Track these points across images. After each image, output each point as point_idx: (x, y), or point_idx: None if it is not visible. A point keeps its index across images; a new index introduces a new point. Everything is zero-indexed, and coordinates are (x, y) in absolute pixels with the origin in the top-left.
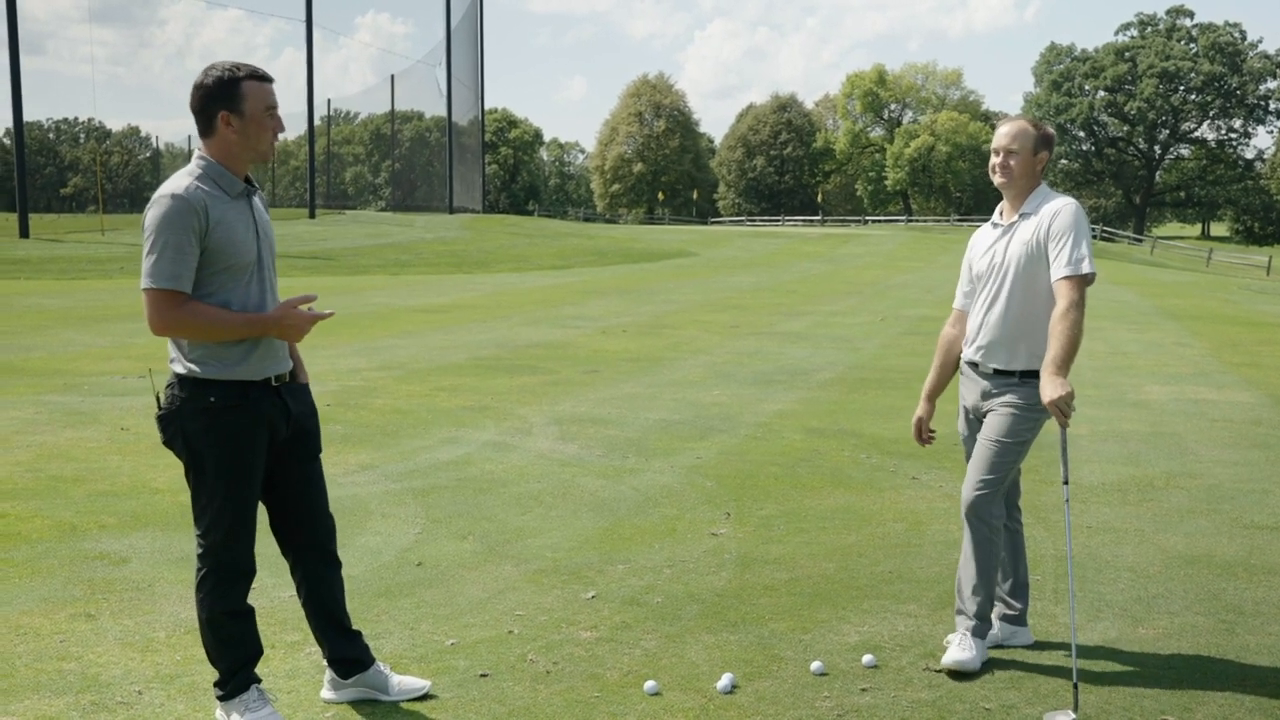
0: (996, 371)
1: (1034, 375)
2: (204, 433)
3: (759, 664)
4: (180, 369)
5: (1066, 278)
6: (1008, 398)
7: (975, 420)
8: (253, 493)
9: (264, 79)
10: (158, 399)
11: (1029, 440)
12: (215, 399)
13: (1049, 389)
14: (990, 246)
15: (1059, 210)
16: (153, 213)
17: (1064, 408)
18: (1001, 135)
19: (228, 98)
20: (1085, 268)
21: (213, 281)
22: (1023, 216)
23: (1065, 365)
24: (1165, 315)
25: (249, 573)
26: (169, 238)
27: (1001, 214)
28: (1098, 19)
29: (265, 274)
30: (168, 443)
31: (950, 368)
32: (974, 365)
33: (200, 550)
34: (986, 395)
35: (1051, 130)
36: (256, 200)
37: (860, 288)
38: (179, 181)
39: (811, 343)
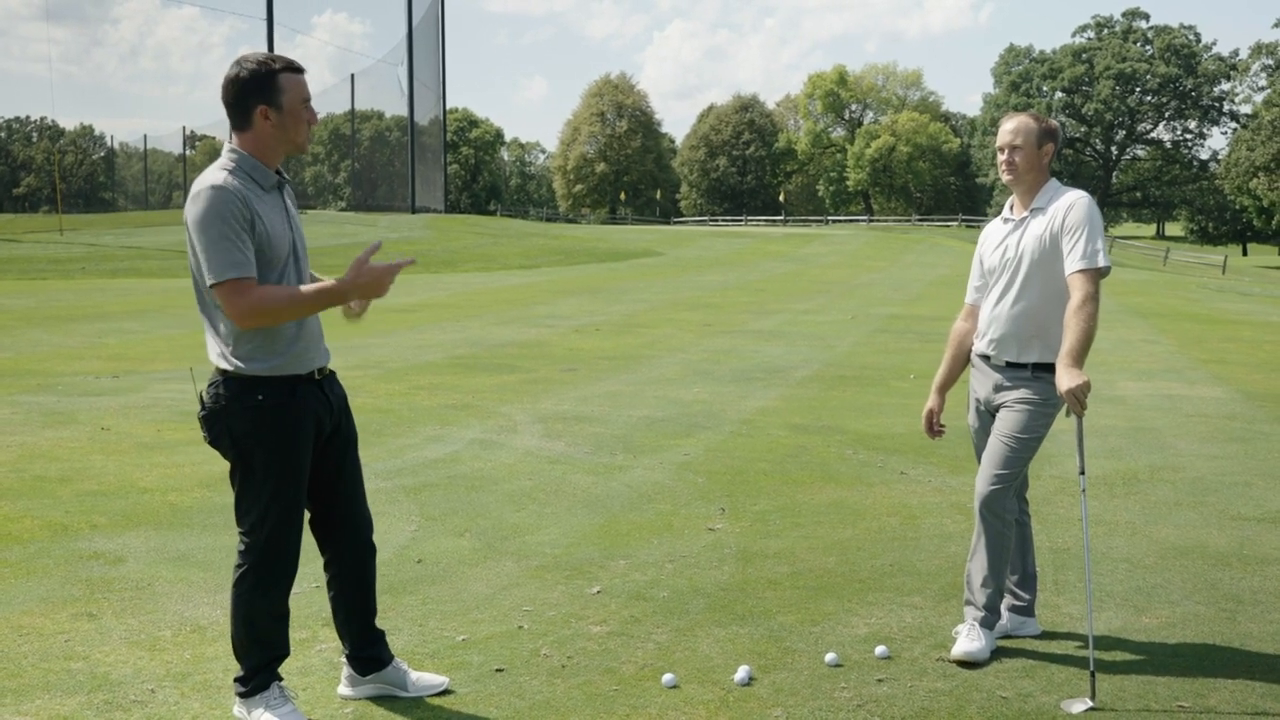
0: (1009, 365)
1: (1046, 369)
2: (252, 432)
3: (772, 656)
4: (226, 365)
5: (1081, 271)
6: (1021, 393)
7: (987, 413)
8: (300, 490)
9: (298, 70)
10: (200, 398)
11: (1043, 435)
12: (264, 396)
13: (1065, 379)
14: (1002, 241)
15: (1072, 204)
16: (195, 209)
17: (1080, 397)
18: (1005, 132)
19: (265, 90)
20: (1100, 261)
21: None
22: (1034, 211)
23: (1081, 356)
24: (1130, 313)
25: (291, 571)
26: (220, 229)
27: (1012, 209)
28: (1052, 22)
29: (301, 266)
30: (213, 442)
31: (961, 361)
32: (986, 358)
33: (242, 548)
34: (999, 388)
35: (1055, 123)
36: (287, 193)
37: (827, 287)
38: (215, 175)
39: (785, 341)
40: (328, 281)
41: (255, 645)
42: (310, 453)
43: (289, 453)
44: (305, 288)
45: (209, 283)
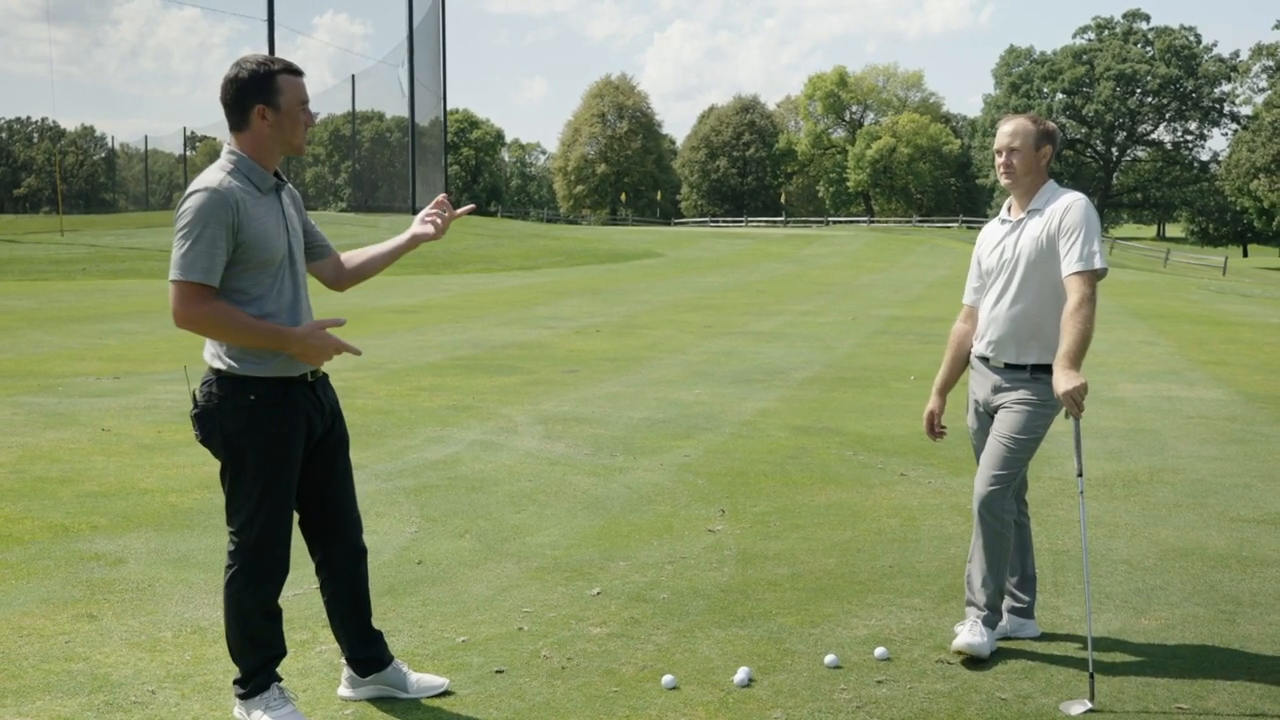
0: (1008, 366)
1: (1045, 370)
2: (244, 431)
3: (772, 658)
4: (219, 365)
5: (1078, 273)
6: (1020, 394)
7: (985, 414)
8: (291, 490)
9: (297, 72)
10: (194, 396)
11: (1041, 436)
12: (256, 397)
13: (1062, 381)
14: (999, 242)
15: (1069, 206)
16: (187, 205)
17: (1078, 399)
18: (1002, 134)
19: (263, 91)
20: (1097, 263)
21: (245, 278)
22: (1031, 213)
23: (1078, 358)
24: (1130, 314)
25: (282, 570)
26: (202, 230)
27: (1010, 210)
28: (1053, 23)
29: (297, 269)
30: (204, 440)
31: (961, 362)
32: (984, 360)
33: (232, 547)
34: (998, 390)
35: (1053, 125)
36: (285, 195)
37: (828, 288)
38: (213, 176)
39: (785, 342)
40: (280, 326)
41: (250, 645)
42: (301, 453)
43: (280, 452)
44: (255, 322)
45: (170, 276)
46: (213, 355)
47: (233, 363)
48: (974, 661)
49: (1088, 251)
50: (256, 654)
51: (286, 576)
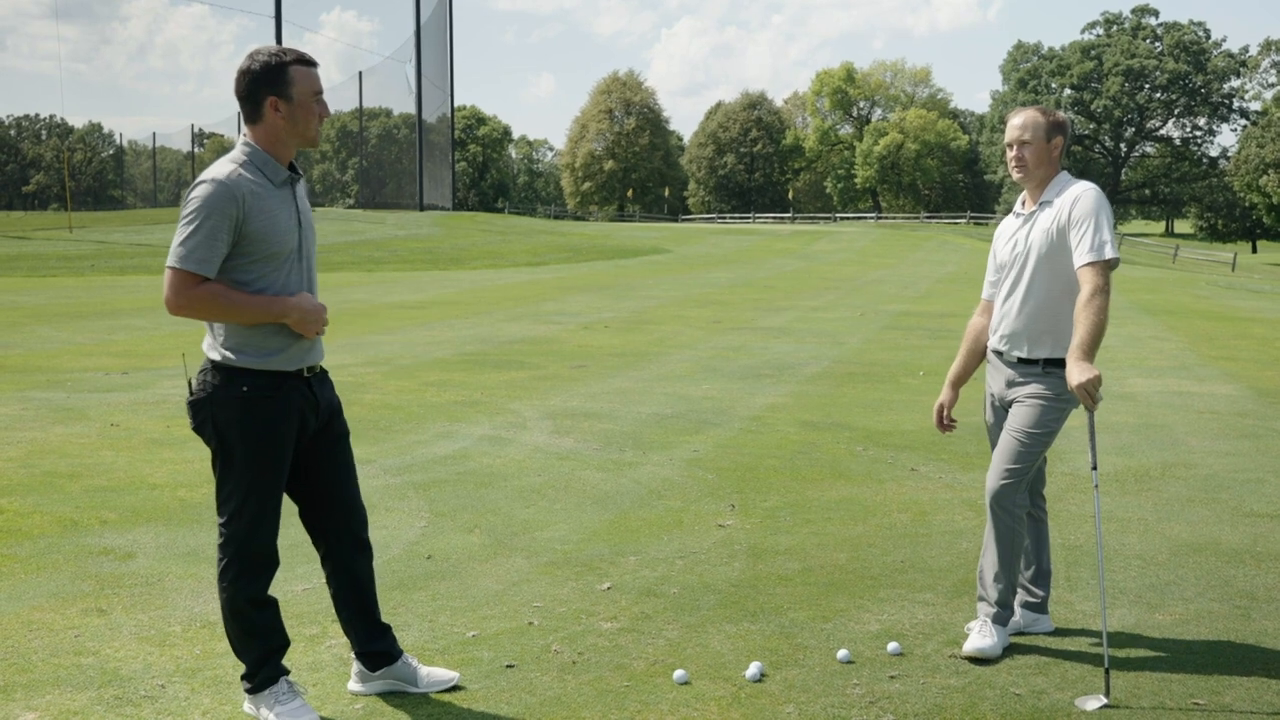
0: (1020, 360)
1: (1057, 364)
2: (235, 422)
3: (784, 653)
4: (215, 355)
5: (1090, 264)
6: (1033, 388)
7: (1001, 408)
8: (279, 483)
9: (310, 63)
10: (190, 384)
11: (1055, 430)
12: (248, 389)
13: (1076, 373)
14: (1012, 235)
15: (1079, 196)
16: (193, 195)
17: (1091, 391)
18: (1013, 128)
19: (276, 82)
20: (1108, 253)
21: (253, 269)
22: (1043, 205)
23: (1091, 350)
24: (1140, 310)
25: (272, 563)
26: (204, 221)
27: (1024, 204)
28: (1061, 18)
29: (306, 262)
30: (197, 429)
31: (976, 356)
32: (998, 354)
33: (221, 539)
34: (1011, 384)
35: (1063, 116)
36: (299, 189)
37: (836, 284)
38: (223, 168)
39: (794, 337)
40: (275, 296)
41: (249, 638)
42: (291, 447)
43: (269, 445)
44: (248, 296)
45: (167, 262)
46: (210, 347)
47: (229, 354)
48: (983, 658)
49: (1099, 241)
50: (257, 646)
51: (276, 569)
